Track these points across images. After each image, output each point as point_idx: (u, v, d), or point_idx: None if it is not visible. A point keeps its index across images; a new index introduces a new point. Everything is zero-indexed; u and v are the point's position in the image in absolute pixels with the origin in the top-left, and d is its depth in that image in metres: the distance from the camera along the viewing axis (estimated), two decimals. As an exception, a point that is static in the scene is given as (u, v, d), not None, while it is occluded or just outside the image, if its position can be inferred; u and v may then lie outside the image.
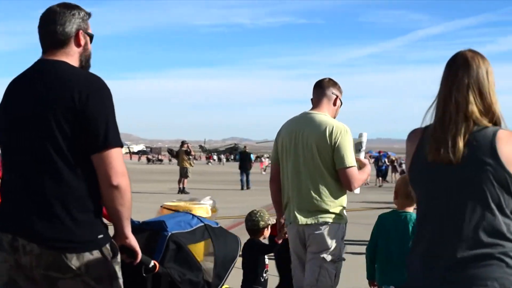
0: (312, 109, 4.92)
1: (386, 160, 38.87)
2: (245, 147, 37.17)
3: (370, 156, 42.77)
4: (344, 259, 4.82)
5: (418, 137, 2.74)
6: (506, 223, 2.54)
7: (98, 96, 2.90)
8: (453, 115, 2.60)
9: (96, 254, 2.88)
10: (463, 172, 2.56)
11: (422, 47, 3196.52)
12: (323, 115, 4.82)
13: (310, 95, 5.06)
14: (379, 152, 41.42)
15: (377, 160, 38.11)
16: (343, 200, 4.78)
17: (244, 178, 29.74)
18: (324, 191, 4.68)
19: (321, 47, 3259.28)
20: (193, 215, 4.05)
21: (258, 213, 5.80)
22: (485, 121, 2.60)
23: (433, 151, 2.61)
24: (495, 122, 2.63)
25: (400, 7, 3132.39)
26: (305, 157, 4.73)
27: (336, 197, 4.71)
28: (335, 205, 4.70)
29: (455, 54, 2.73)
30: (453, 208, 2.58)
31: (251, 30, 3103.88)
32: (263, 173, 46.31)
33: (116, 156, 2.89)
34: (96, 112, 2.87)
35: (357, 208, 17.48)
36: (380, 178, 36.41)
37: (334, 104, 4.93)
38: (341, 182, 4.73)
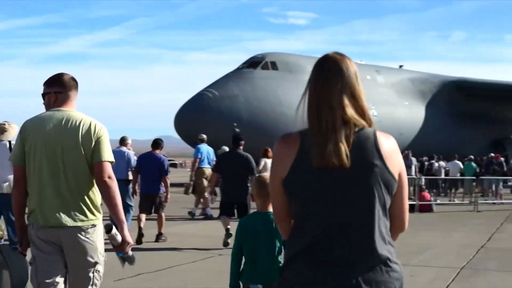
0: (59, 106, 4.75)
1: None
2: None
3: None
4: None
5: (298, 142, 2.67)
6: (386, 225, 2.65)
7: None
8: (333, 119, 2.60)
9: None
10: (353, 175, 2.58)
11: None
12: (75, 112, 4.75)
13: None
14: None
15: None
16: (100, 199, 4.77)
17: None
18: (88, 191, 4.65)
19: None
20: None
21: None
22: (363, 122, 2.64)
23: (319, 156, 2.58)
24: (368, 123, 2.67)
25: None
26: (67, 156, 4.59)
27: (97, 197, 4.71)
28: (97, 205, 4.72)
29: (324, 58, 2.72)
30: (343, 212, 2.59)
31: None
32: None
33: None
34: None
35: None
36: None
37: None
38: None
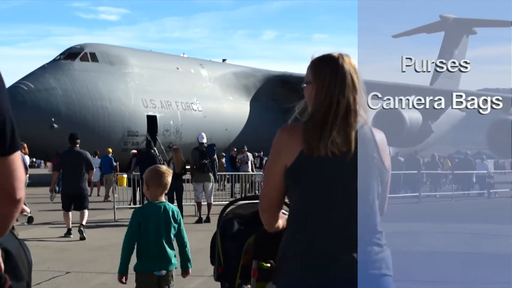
0: None
1: None
2: None
3: None
4: None
5: (302, 133, 2.77)
6: (379, 216, 2.82)
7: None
8: (343, 113, 2.74)
9: None
10: (355, 167, 2.69)
11: None
12: None
13: None
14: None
15: None
16: None
17: None
18: None
19: None
20: None
21: None
22: (365, 118, 2.79)
23: (325, 146, 2.69)
24: (366, 118, 2.83)
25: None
26: None
27: None
28: None
29: (333, 56, 2.84)
30: (345, 201, 2.69)
31: None
32: None
33: (20, 163, 2.09)
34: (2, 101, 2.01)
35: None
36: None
37: None
38: None
